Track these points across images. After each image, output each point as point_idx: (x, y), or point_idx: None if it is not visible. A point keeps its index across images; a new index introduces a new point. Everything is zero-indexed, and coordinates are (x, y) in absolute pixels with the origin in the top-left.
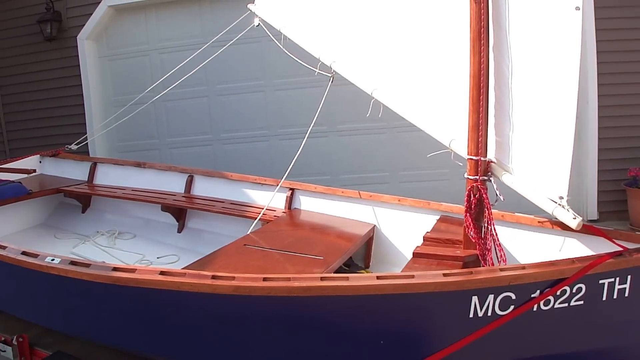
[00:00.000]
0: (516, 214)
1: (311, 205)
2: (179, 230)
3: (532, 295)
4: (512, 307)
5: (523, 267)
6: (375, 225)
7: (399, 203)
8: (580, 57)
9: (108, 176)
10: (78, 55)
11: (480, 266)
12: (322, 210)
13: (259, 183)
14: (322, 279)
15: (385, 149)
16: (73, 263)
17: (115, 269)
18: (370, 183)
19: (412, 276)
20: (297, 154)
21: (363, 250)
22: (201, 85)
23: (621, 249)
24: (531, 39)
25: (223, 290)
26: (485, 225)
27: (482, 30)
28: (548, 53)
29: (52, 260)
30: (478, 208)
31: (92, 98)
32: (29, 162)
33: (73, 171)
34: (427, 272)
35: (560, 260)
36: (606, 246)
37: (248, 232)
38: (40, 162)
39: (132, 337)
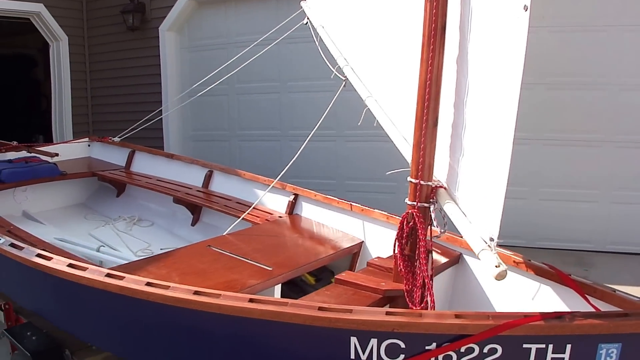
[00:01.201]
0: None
1: (311, 212)
2: (193, 224)
3: (427, 348)
4: (402, 356)
5: (420, 314)
6: (363, 242)
7: (387, 221)
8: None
9: (142, 164)
10: (159, 46)
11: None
12: (321, 219)
13: (267, 184)
14: (195, 292)
15: (393, 158)
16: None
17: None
18: (378, 191)
19: (286, 304)
20: (296, 156)
21: (347, 263)
22: (273, 81)
23: (565, 311)
24: (488, 50)
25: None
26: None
27: (432, 34)
28: (496, 66)
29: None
30: (411, 238)
31: (169, 87)
32: (78, 145)
33: (116, 157)
34: (304, 302)
35: (470, 313)
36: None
37: (225, 233)
38: (89, 145)
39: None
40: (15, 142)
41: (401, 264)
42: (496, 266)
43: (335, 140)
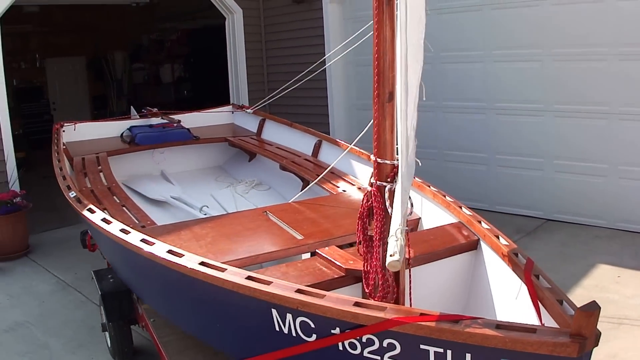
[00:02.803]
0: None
1: None
2: (302, 189)
3: (332, 332)
4: (314, 336)
5: (323, 296)
6: (420, 218)
7: (433, 198)
8: None
9: (270, 132)
10: (323, 17)
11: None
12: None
13: (364, 157)
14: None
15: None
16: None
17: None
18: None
19: (224, 270)
20: (368, 125)
21: None
22: (476, 50)
23: (470, 316)
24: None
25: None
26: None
27: (377, 5)
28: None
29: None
30: (370, 218)
31: (333, 57)
32: (222, 113)
33: (254, 124)
34: (241, 272)
35: (374, 304)
36: None
37: (291, 200)
38: (232, 112)
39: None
40: (156, 109)
41: (363, 244)
42: (390, 255)
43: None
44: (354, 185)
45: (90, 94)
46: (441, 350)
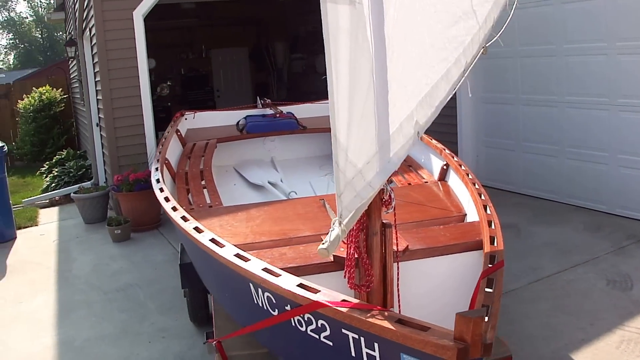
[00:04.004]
0: None
1: (456, 183)
2: None
3: (286, 308)
4: (277, 310)
5: (279, 275)
6: (465, 215)
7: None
8: None
9: None
10: None
11: None
12: (460, 190)
13: (436, 150)
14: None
15: None
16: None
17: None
18: None
19: (222, 246)
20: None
21: None
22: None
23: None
24: None
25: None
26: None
27: None
28: None
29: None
30: None
31: None
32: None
33: None
34: (234, 250)
35: (312, 286)
36: None
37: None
38: None
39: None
40: (268, 100)
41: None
42: (322, 243)
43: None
44: (423, 177)
45: (252, 82)
46: (356, 336)
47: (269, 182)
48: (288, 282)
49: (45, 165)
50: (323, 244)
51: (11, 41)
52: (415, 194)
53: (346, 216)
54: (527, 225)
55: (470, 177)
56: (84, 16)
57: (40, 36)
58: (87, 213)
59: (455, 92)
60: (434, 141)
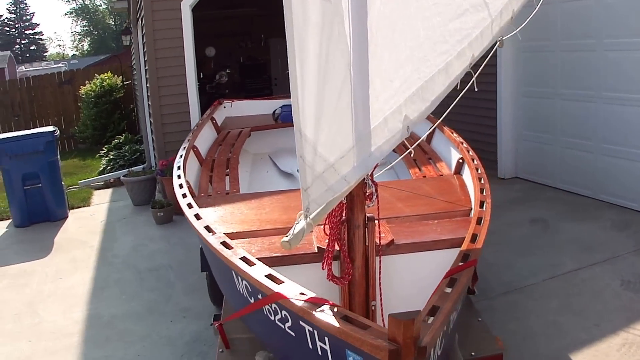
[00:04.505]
0: None
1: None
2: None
3: (258, 297)
4: (252, 298)
5: (253, 264)
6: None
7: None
8: None
9: None
10: None
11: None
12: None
13: (453, 142)
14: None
15: None
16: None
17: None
18: None
19: (214, 233)
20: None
21: None
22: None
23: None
24: None
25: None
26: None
27: None
28: None
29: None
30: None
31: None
32: None
33: None
34: (221, 238)
35: (280, 278)
36: None
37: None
38: None
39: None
40: None
41: (328, 224)
42: (285, 235)
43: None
44: (440, 171)
45: None
46: (311, 329)
47: (297, 170)
48: (258, 272)
49: (104, 148)
50: (286, 236)
51: (85, 28)
52: (428, 187)
53: (314, 210)
54: (556, 221)
55: (479, 171)
56: (137, 6)
57: (113, 23)
58: (136, 195)
59: (496, 86)
60: (454, 134)
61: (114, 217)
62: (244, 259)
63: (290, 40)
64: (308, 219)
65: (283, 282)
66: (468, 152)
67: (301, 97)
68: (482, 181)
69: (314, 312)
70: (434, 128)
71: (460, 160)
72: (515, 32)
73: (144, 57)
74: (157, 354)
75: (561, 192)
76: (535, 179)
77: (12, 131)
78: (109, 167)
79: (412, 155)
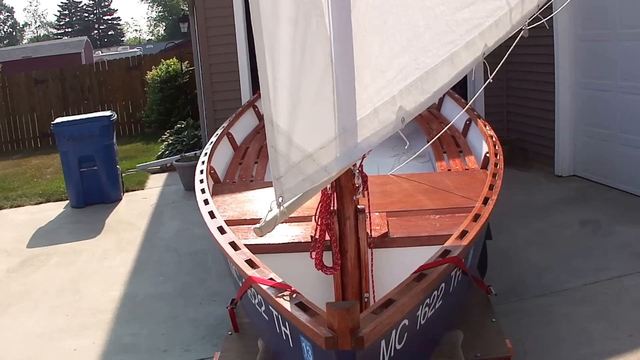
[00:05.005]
0: None
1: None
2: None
3: (243, 280)
4: (240, 282)
5: (239, 248)
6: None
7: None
8: None
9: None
10: None
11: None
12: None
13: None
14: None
15: None
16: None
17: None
18: None
19: (214, 218)
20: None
21: None
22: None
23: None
24: None
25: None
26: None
27: None
28: None
29: None
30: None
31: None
32: None
33: None
34: (218, 222)
35: (259, 264)
36: None
37: (389, 172)
38: None
39: None
40: None
41: (317, 213)
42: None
43: None
44: (467, 165)
45: None
46: (277, 314)
47: None
48: (239, 257)
49: (166, 133)
50: (257, 225)
51: (160, 14)
52: (449, 180)
53: (289, 199)
54: (609, 223)
55: (497, 167)
56: None
57: (187, 9)
58: (187, 180)
59: (553, 78)
60: (486, 127)
61: (164, 201)
62: (232, 243)
63: (258, 38)
64: (282, 207)
65: (259, 267)
66: (495, 146)
67: (272, 89)
68: (496, 177)
69: (275, 297)
70: (470, 120)
71: (487, 155)
72: (543, 21)
73: (198, 41)
74: (180, 334)
75: (619, 193)
76: (594, 178)
77: (80, 114)
78: (167, 152)
79: (442, 148)
